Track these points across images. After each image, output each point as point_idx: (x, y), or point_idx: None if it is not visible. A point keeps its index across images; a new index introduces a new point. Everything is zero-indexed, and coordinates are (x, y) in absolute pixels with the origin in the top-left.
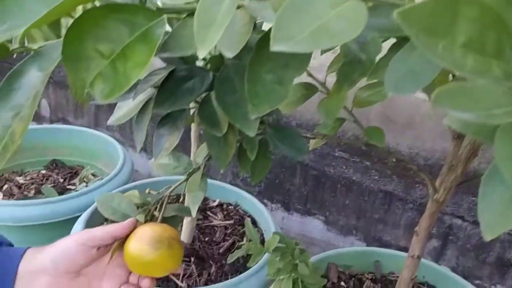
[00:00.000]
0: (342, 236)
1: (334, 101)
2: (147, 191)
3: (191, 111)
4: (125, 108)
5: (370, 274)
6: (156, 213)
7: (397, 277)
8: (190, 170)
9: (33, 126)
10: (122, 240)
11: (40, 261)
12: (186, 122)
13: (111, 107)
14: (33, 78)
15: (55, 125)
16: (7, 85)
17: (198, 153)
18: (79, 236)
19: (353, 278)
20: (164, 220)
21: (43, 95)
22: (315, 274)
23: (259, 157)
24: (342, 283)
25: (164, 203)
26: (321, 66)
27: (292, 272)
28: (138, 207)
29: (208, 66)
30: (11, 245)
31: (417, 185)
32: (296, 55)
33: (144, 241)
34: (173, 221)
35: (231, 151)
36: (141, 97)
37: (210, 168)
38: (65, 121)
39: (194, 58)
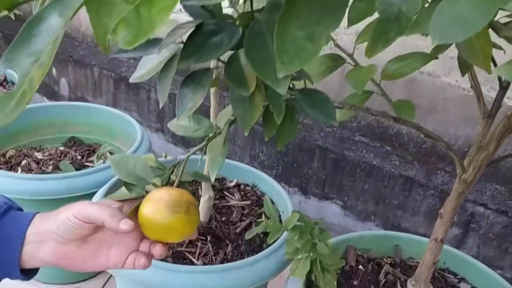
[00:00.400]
0: (360, 221)
1: (363, 72)
2: (163, 155)
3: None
4: (148, 66)
5: (389, 259)
6: (173, 176)
7: (417, 262)
8: (211, 134)
9: (52, 102)
10: (136, 206)
11: (47, 228)
12: (211, 80)
13: (130, 87)
14: (54, 23)
15: (74, 103)
16: (27, 31)
17: (220, 118)
18: (79, 211)
19: (371, 262)
20: (181, 185)
21: (62, 74)
22: (334, 254)
23: (285, 121)
24: (360, 267)
25: (182, 167)
26: (349, 39)
27: (311, 252)
28: (153, 171)
29: (237, 22)
30: (20, 209)
31: (439, 172)
32: (329, 11)
33: (161, 204)
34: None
35: (256, 113)
36: (165, 54)
37: (229, 149)
38: (84, 100)
39: (222, 12)
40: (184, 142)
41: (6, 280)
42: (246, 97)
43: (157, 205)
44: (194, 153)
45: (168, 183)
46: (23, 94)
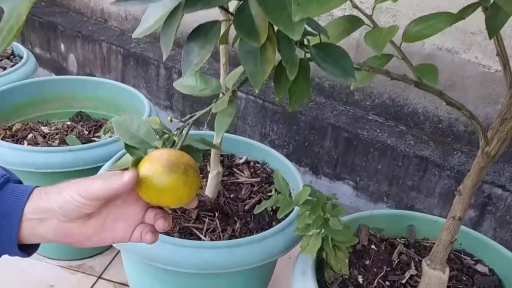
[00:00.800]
0: (372, 202)
1: (383, 33)
2: (169, 118)
3: (222, 31)
4: (152, 19)
5: (402, 239)
6: (176, 138)
7: (432, 243)
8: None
9: (60, 76)
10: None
11: (47, 205)
12: (219, 35)
13: (139, 64)
14: None
15: (82, 77)
16: None
17: (229, 79)
18: (82, 189)
19: (384, 242)
20: (186, 152)
21: (71, 50)
22: (346, 231)
23: (299, 80)
24: (373, 246)
25: (186, 130)
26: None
27: (323, 228)
28: (158, 134)
29: None
30: (19, 181)
31: (456, 152)
32: None
33: (158, 163)
34: (194, 156)
35: (268, 68)
36: (170, 5)
37: (237, 128)
38: (92, 76)
39: None
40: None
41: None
42: (257, 50)
43: (154, 164)
44: (201, 115)
45: (172, 147)
46: (10, 30)
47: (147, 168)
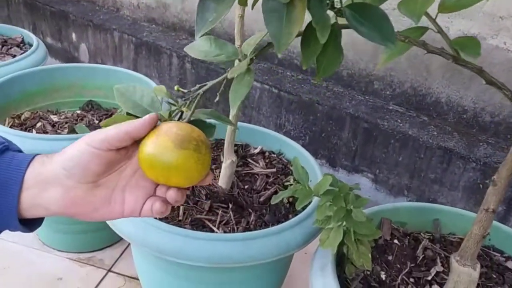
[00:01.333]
0: (392, 196)
1: (419, 2)
2: (176, 88)
3: None
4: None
5: (427, 234)
6: (184, 109)
7: (459, 238)
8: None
9: (70, 64)
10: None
11: (50, 170)
12: None
13: (151, 53)
14: None
15: (92, 64)
16: None
17: (247, 44)
18: (91, 138)
19: (408, 237)
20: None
21: (82, 39)
22: (369, 223)
23: (329, 46)
24: (396, 241)
25: (195, 102)
26: None
27: (344, 220)
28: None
29: None
30: (20, 151)
31: (481, 144)
32: None
33: (167, 138)
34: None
35: (295, 29)
36: None
37: (251, 118)
38: None
39: None
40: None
41: (22, 247)
42: (283, 8)
43: (162, 139)
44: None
45: (180, 119)
46: None
47: (154, 143)
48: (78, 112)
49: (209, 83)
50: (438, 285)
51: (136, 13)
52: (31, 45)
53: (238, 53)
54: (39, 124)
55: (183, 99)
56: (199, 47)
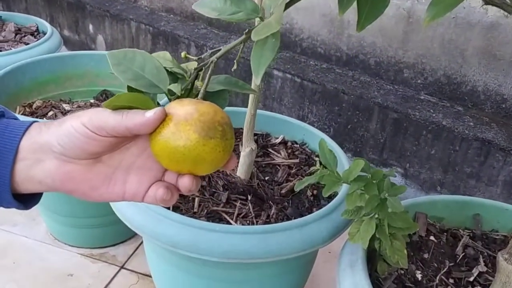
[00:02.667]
0: (424, 192)
1: None
2: (182, 54)
3: None
4: None
5: (466, 230)
6: (198, 83)
7: (503, 236)
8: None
9: (83, 51)
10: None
11: (47, 140)
12: None
13: (168, 43)
14: None
15: (107, 51)
16: None
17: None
18: (89, 119)
19: (445, 233)
20: (208, 97)
21: (99, 31)
22: (405, 215)
23: None
24: (432, 238)
25: (209, 71)
26: None
27: (378, 210)
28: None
29: None
30: (15, 119)
31: None
32: None
33: (190, 128)
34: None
35: None
36: None
37: (272, 110)
38: None
39: None
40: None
41: (33, 241)
42: None
43: (183, 128)
44: (227, 51)
45: (191, 93)
46: None
47: (173, 134)
48: (92, 101)
49: (224, 48)
50: (481, 287)
51: (154, 3)
52: (45, 33)
53: (259, 10)
54: (50, 113)
55: (195, 69)
56: (211, 4)
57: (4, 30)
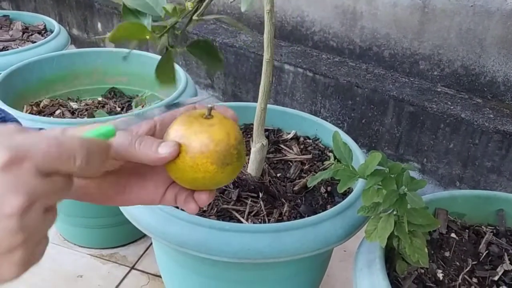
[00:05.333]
0: (442, 188)
1: None
2: None
3: None
4: None
5: (489, 227)
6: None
7: None
8: None
9: (92, 49)
10: None
11: None
12: None
13: (177, 39)
14: None
15: (114, 49)
16: None
17: None
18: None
19: (467, 230)
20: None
21: (108, 29)
22: (425, 212)
23: None
24: (453, 235)
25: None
26: None
27: (396, 206)
28: None
29: None
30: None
31: None
32: None
33: (206, 160)
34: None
35: None
36: None
37: (284, 105)
38: None
39: None
40: (237, 98)
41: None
42: None
43: (200, 161)
44: None
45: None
46: None
47: (191, 167)
48: (100, 99)
49: None
50: (507, 286)
51: None
52: (52, 31)
53: None
54: (58, 112)
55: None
56: None
57: (12, 29)
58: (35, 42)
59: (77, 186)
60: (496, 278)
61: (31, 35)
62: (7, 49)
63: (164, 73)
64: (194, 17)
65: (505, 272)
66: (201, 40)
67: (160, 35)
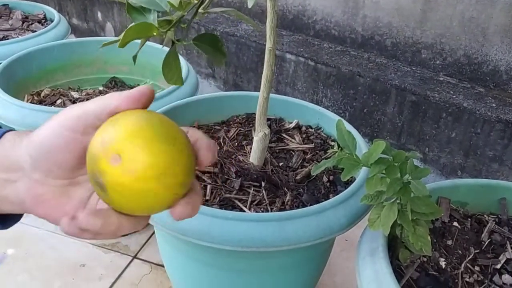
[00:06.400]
0: (444, 177)
1: None
2: None
3: None
4: None
5: (492, 216)
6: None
7: None
8: None
9: (92, 38)
10: None
11: (18, 155)
12: None
13: (178, 29)
14: None
15: (115, 37)
16: None
17: None
18: (66, 116)
19: (469, 219)
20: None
21: (108, 18)
22: (429, 200)
23: None
24: (456, 224)
25: None
26: None
27: (400, 194)
28: None
29: None
30: None
31: None
32: None
33: (144, 176)
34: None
35: None
36: None
37: (285, 95)
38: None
39: None
40: (238, 88)
41: (44, 232)
42: None
43: (137, 179)
44: None
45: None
46: None
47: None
48: (101, 89)
49: None
50: (509, 274)
51: None
52: (52, 21)
53: None
54: (59, 101)
55: None
56: None
57: (12, 18)
58: (35, 31)
59: (35, 192)
60: (498, 266)
61: (31, 24)
62: (7, 39)
63: (171, 69)
64: (200, 10)
65: (507, 260)
66: (207, 34)
67: (166, 30)
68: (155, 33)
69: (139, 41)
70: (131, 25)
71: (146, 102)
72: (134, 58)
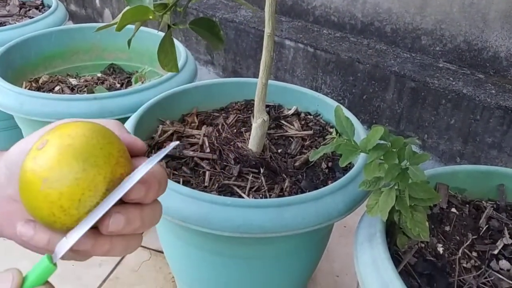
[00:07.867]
0: (443, 164)
1: None
2: None
3: None
4: None
5: (490, 202)
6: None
7: None
8: None
9: (90, 24)
10: None
11: None
12: None
13: (177, 15)
14: None
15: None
16: None
17: None
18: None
19: (467, 205)
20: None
21: (106, 4)
22: (427, 186)
23: None
24: (454, 210)
25: None
26: None
27: (398, 180)
28: None
29: None
30: None
31: None
32: None
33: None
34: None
35: None
36: None
37: (285, 81)
38: None
39: None
40: (237, 75)
41: None
42: None
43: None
44: None
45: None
46: None
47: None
48: (99, 75)
49: None
50: (507, 260)
51: None
52: (49, 7)
53: None
54: (57, 88)
55: None
56: None
57: (9, 4)
58: (32, 17)
59: (4, 209)
60: (495, 252)
61: (29, 10)
62: (5, 25)
63: (166, 55)
64: None
65: (505, 246)
66: (204, 18)
67: (162, 13)
68: (151, 17)
69: (141, 28)
70: (127, 8)
71: None
72: (129, 42)
